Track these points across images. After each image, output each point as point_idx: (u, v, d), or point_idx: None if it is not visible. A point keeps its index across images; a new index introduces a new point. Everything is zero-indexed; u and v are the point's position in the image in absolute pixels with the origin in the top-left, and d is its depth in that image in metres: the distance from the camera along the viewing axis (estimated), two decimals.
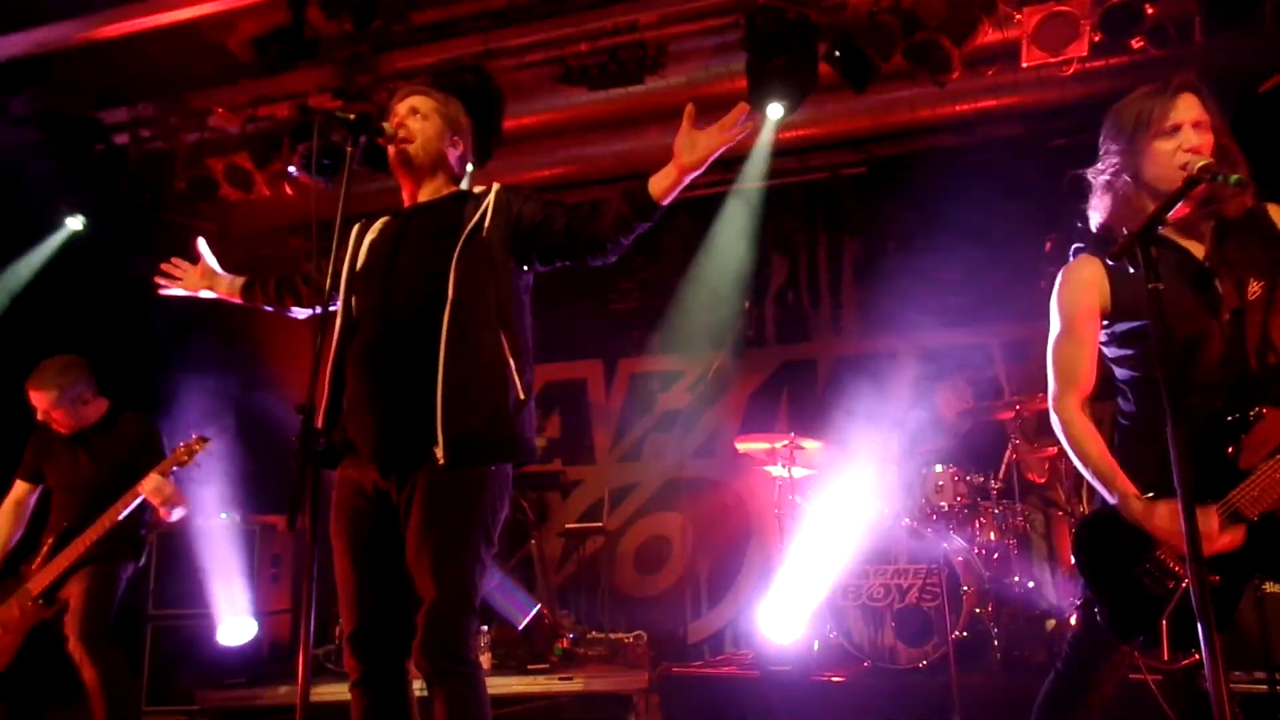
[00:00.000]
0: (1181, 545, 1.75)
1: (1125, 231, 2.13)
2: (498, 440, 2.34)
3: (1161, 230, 2.13)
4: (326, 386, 2.30)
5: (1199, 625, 1.69)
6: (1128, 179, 2.15)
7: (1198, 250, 2.16)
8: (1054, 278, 4.24)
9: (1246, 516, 2.00)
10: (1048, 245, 4.26)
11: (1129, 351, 2.19)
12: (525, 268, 2.50)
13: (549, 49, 5.38)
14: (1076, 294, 2.22)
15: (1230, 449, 2.03)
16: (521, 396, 2.35)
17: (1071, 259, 2.30)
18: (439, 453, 2.25)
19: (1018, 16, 4.71)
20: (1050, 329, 2.27)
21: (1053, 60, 4.71)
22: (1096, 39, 4.61)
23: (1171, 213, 2.04)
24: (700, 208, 6.75)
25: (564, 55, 5.37)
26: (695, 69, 5.39)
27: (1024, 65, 4.81)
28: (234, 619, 4.77)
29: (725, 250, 6.67)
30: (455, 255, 2.36)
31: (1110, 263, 2.14)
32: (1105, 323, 2.20)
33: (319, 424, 2.21)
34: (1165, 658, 2.02)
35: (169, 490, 3.63)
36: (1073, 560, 2.26)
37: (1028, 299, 5.44)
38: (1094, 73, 4.97)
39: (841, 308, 6.58)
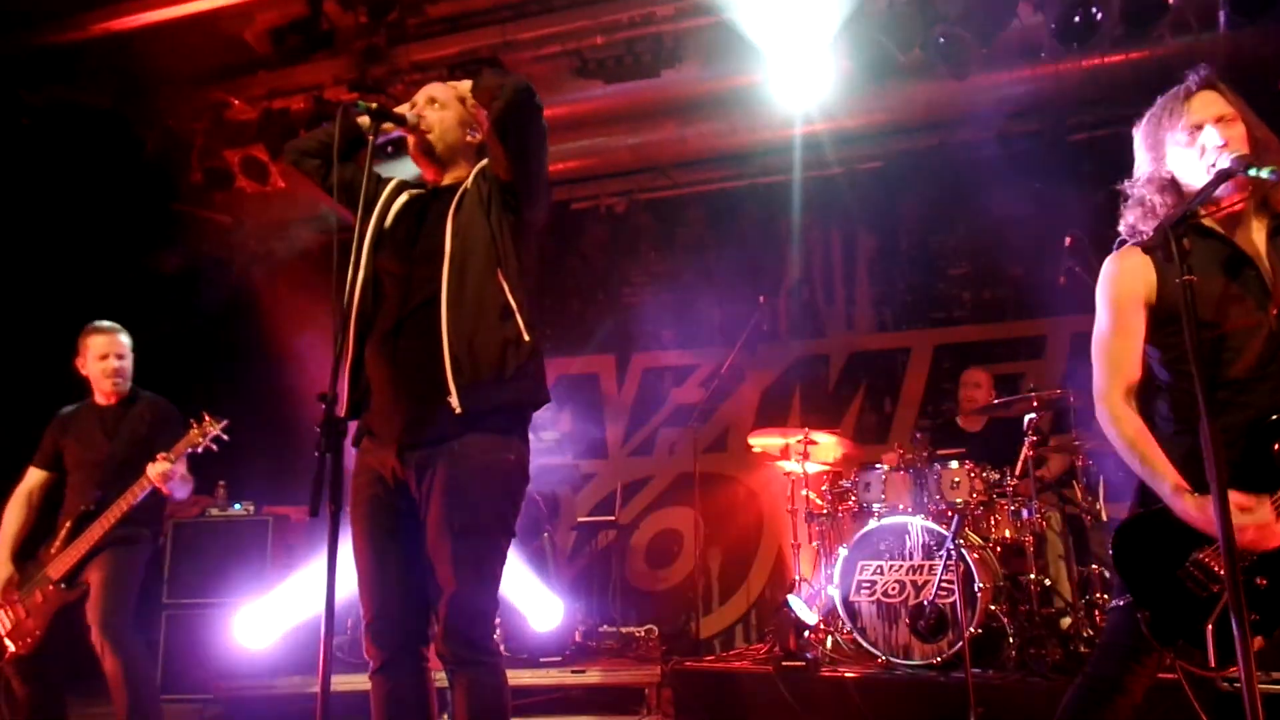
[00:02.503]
0: (1237, 537, 1.70)
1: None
2: (510, 379, 2.33)
3: (1214, 225, 2.12)
4: (347, 373, 2.30)
5: (1233, 622, 1.66)
6: (1162, 187, 2.12)
7: (1252, 246, 2.12)
8: (1074, 273, 4.24)
9: None
10: (1068, 240, 4.24)
11: (1172, 347, 2.14)
12: (519, 212, 2.47)
13: (565, 41, 5.38)
14: (1124, 283, 2.16)
15: (1278, 446, 1.99)
16: (527, 337, 2.36)
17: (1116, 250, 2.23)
18: (454, 401, 2.25)
19: (1037, 10, 4.68)
20: (1096, 321, 2.20)
21: (1073, 53, 4.67)
22: (1118, 32, 4.57)
23: (1224, 209, 2.01)
24: (714, 201, 6.75)
25: (580, 48, 5.37)
26: (712, 62, 5.37)
27: (1043, 58, 4.77)
28: (250, 610, 4.78)
29: (739, 245, 6.66)
30: (450, 215, 2.40)
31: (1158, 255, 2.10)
32: (1151, 316, 2.13)
33: (341, 412, 2.20)
34: (1212, 664, 1.96)
35: (175, 477, 3.66)
36: (1112, 562, 2.19)
37: (1046, 294, 5.45)
38: (1114, 66, 4.93)
39: (855, 303, 6.56)
